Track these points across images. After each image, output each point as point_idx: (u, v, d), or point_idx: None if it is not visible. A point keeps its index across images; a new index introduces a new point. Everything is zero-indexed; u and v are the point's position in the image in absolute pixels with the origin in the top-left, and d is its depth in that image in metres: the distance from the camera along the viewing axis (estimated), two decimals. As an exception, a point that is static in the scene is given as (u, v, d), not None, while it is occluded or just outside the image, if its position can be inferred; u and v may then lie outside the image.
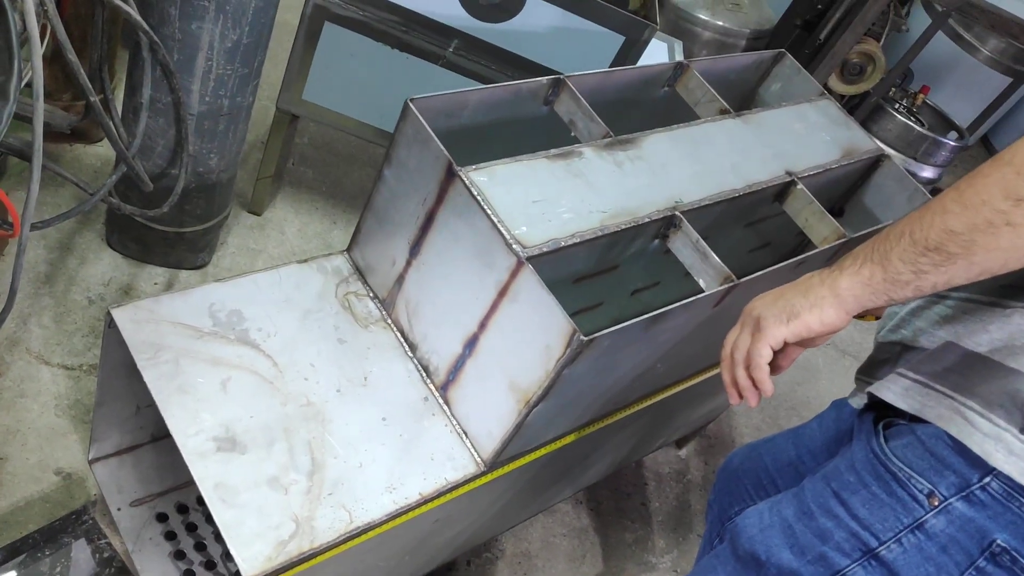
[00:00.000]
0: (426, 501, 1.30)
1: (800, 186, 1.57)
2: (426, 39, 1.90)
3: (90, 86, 1.31)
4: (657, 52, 2.36)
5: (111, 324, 1.30)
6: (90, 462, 1.61)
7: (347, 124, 2.09)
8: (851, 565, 1.09)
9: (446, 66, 1.95)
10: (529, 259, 1.19)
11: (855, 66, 3.21)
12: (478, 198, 1.22)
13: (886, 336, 1.22)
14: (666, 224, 1.38)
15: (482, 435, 1.35)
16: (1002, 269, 0.93)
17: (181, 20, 1.60)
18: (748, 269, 1.37)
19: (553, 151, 1.36)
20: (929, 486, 1.04)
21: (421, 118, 1.28)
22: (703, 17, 3.22)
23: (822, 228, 1.55)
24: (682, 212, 1.38)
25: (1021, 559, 0.99)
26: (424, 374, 1.42)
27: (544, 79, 1.45)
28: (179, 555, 1.59)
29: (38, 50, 1.17)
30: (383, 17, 1.86)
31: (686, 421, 2.09)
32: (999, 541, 0.99)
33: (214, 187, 1.94)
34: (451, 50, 1.92)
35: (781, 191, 1.58)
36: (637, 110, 1.68)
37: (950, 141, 3.44)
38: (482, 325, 1.29)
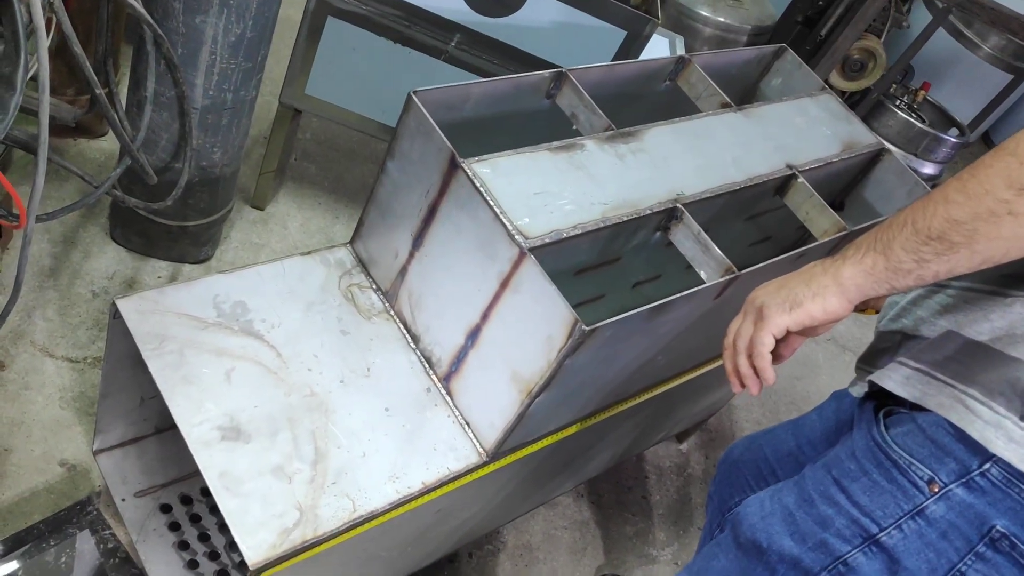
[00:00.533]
0: (429, 491, 1.31)
1: (801, 179, 1.57)
2: (428, 33, 1.91)
3: (95, 78, 1.32)
4: (658, 48, 2.37)
5: (116, 315, 1.31)
6: (94, 453, 1.62)
7: (350, 119, 2.09)
8: (852, 551, 1.10)
9: (448, 61, 1.96)
10: (531, 250, 1.20)
11: (856, 62, 3.22)
12: (481, 189, 1.23)
13: (887, 325, 1.23)
14: (668, 216, 1.39)
15: (484, 426, 1.36)
16: (1004, 258, 0.94)
17: (185, 14, 1.61)
18: (749, 263, 1.38)
19: (555, 143, 1.37)
20: (929, 473, 1.05)
21: (424, 110, 1.29)
22: (704, 13, 3.23)
23: (822, 221, 1.56)
24: (683, 204, 1.39)
25: (1020, 544, 1.00)
26: (427, 365, 1.43)
27: (546, 72, 1.46)
28: (183, 545, 1.60)
29: (44, 42, 1.18)
30: (385, 11, 1.87)
31: (687, 414, 2.09)
32: (998, 527, 1.00)
33: (217, 181, 1.95)
34: (453, 45, 1.92)
35: (782, 184, 1.59)
36: (638, 104, 1.69)
37: (951, 138, 3.45)
38: (484, 316, 1.30)
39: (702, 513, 2.25)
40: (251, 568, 1.13)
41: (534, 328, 1.21)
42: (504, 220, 1.21)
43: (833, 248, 1.54)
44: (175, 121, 1.76)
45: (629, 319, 1.21)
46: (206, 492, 1.66)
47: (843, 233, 1.52)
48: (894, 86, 3.51)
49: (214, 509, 1.64)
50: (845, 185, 1.83)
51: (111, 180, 1.58)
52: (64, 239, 2.03)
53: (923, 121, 3.47)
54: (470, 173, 1.25)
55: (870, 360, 1.25)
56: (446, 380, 1.41)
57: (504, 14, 1.90)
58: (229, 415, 1.25)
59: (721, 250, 1.33)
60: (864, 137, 1.77)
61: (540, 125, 1.50)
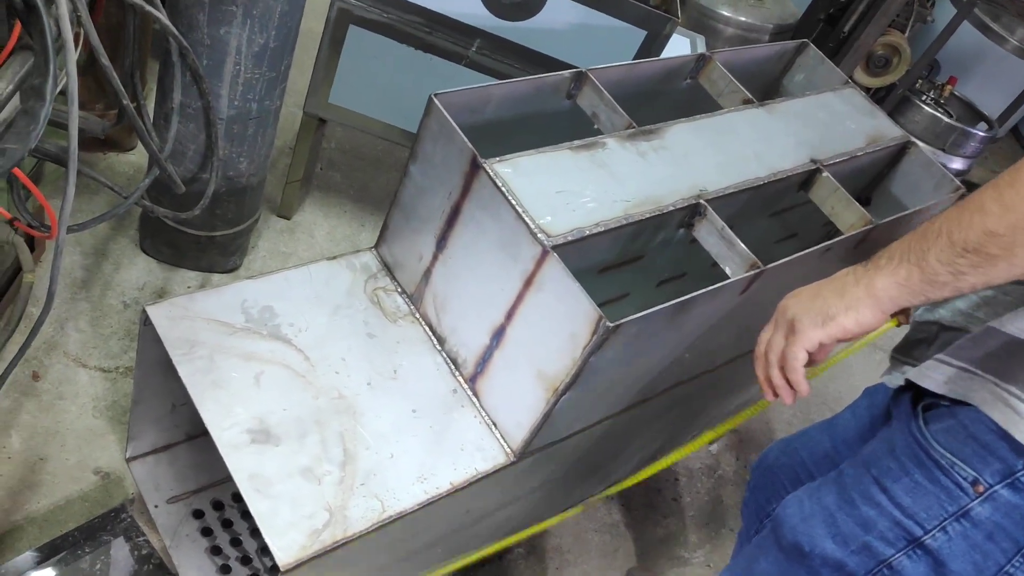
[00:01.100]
0: (457, 490, 1.31)
1: (825, 173, 1.56)
2: (449, 39, 1.93)
3: (123, 89, 1.34)
4: (679, 48, 2.36)
5: (147, 321, 1.33)
6: (127, 460, 1.65)
7: (373, 126, 2.11)
8: (896, 555, 1.08)
9: (469, 66, 1.97)
10: (554, 248, 1.20)
11: (880, 58, 3.19)
12: (502, 189, 1.24)
13: (923, 315, 1.21)
14: (691, 213, 1.38)
15: (511, 425, 1.36)
16: None
17: (209, 25, 1.64)
18: (774, 260, 1.37)
19: (576, 142, 1.37)
20: (973, 473, 1.03)
21: (445, 112, 1.29)
22: (725, 13, 3.22)
23: (848, 215, 1.54)
24: (707, 200, 1.38)
25: None
26: (453, 366, 1.44)
27: (566, 72, 1.47)
28: (215, 551, 1.62)
29: (72, 55, 1.20)
30: (406, 19, 1.89)
31: (717, 414, 2.08)
32: None
33: (244, 191, 1.97)
34: (474, 49, 1.94)
35: (806, 179, 1.58)
36: (659, 103, 1.69)
37: (979, 132, 3.41)
38: (509, 316, 1.30)
39: (734, 514, 2.23)
40: (282, 569, 1.14)
41: (558, 326, 1.21)
42: (526, 219, 1.21)
43: (860, 243, 1.53)
44: (201, 132, 1.78)
45: (654, 315, 1.20)
46: (238, 497, 1.67)
47: (869, 227, 1.50)
48: (920, 81, 3.48)
49: (246, 514, 1.66)
50: (871, 179, 1.81)
51: (140, 190, 1.60)
52: (95, 251, 2.06)
53: (950, 116, 3.43)
54: (492, 173, 1.25)
55: (905, 350, 1.23)
56: (472, 381, 1.42)
57: (523, 18, 1.91)
58: (258, 418, 1.26)
59: (746, 247, 1.33)
60: (889, 130, 1.75)
61: (561, 126, 1.50)
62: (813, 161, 1.57)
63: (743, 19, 3.22)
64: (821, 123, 1.67)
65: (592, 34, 1.92)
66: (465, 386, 1.42)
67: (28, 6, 1.03)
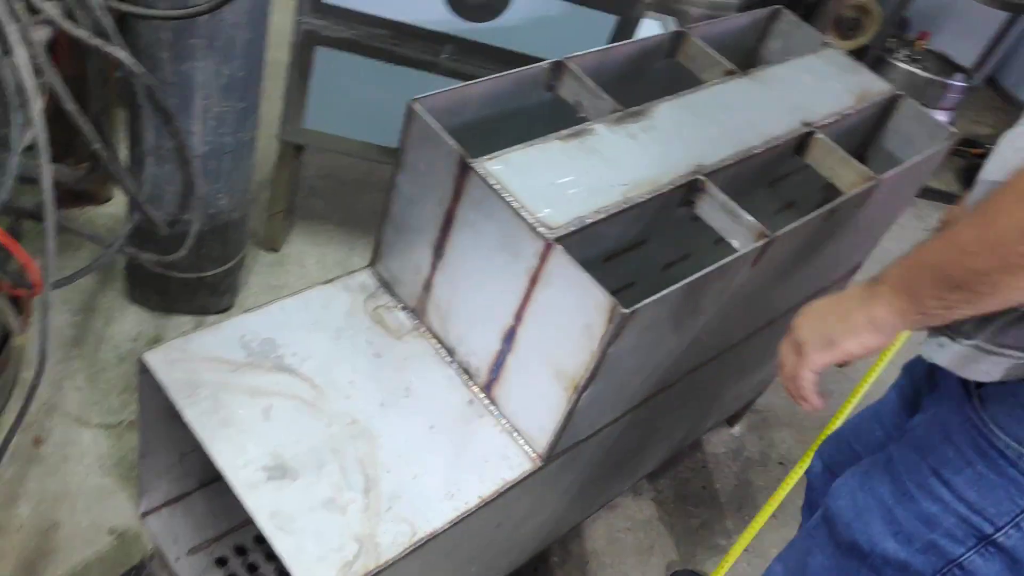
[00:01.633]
0: (486, 503, 1.26)
1: (819, 135, 1.53)
2: (419, 49, 1.89)
3: (94, 133, 1.30)
4: (651, 32, 2.33)
5: (145, 370, 1.28)
6: (142, 516, 1.59)
7: (351, 147, 2.07)
8: (967, 553, 1.01)
9: (443, 73, 1.93)
10: (557, 240, 1.16)
11: (850, 21, 3.17)
12: (495, 187, 1.20)
13: None
14: (690, 189, 1.35)
15: (534, 429, 1.32)
16: None
17: (173, 62, 1.60)
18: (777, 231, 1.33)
19: (564, 131, 1.33)
20: None
21: (427, 117, 1.25)
22: (690, -5, 3.19)
23: (848, 174, 1.51)
24: (705, 175, 1.34)
25: None
26: (466, 376, 1.39)
27: (544, 63, 1.43)
28: (244, 598, 1.57)
29: (35, 102, 1.16)
30: (372, 33, 1.85)
31: (737, 394, 2.04)
32: None
33: (227, 227, 1.93)
34: (445, 56, 1.90)
35: (800, 143, 1.54)
36: (640, 87, 1.65)
37: (957, 83, 3.39)
38: (518, 317, 1.26)
39: (766, 496, 2.18)
40: (316, 607, 1.09)
41: (571, 320, 1.17)
42: (524, 215, 1.17)
43: (865, 199, 1.49)
44: (178, 172, 1.74)
45: (668, 297, 1.16)
46: (260, 539, 1.62)
47: (872, 182, 1.47)
48: (892, 40, 3.46)
49: (271, 556, 1.61)
50: (863, 137, 1.78)
51: (122, 237, 1.56)
52: (83, 307, 2.01)
53: (927, 70, 3.41)
54: (482, 173, 1.21)
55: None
56: (487, 389, 1.37)
57: (491, 18, 1.88)
58: (272, 454, 1.21)
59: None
60: (876, 85, 1.72)
61: (545, 119, 1.47)
62: (805, 124, 1.54)
63: (708, -2, 3.19)
64: (807, 86, 1.64)
65: (563, 25, 1.89)
66: (481, 395, 1.38)
67: (-17, 54, 0.99)
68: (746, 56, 1.88)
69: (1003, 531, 0.98)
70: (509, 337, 1.29)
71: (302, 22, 1.81)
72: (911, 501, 1.05)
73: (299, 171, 2.47)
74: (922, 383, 1.23)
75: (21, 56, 1.16)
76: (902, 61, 3.40)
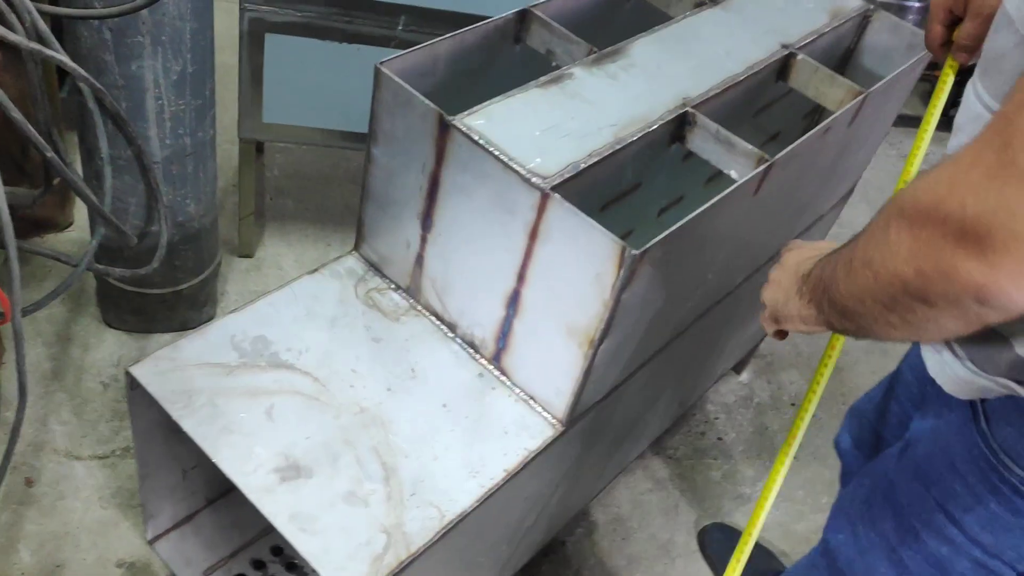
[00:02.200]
0: (512, 476, 1.20)
1: (800, 56, 1.48)
2: (373, 23, 1.81)
3: (43, 142, 1.21)
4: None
5: (134, 384, 1.20)
6: (150, 543, 1.52)
7: (314, 136, 1.99)
8: None
9: (400, 46, 1.85)
10: (553, 189, 1.09)
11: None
12: (481, 142, 1.13)
13: None
14: (680, 124, 1.29)
15: (550, 394, 1.26)
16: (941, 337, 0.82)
17: (119, 64, 1.51)
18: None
19: (543, 78, 1.27)
20: None
21: (397, 79, 1.18)
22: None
23: (835, 91, 1.46)
24: (693, 107, 1.29)
25: None
26: (471, 350, 1.33)
27: (509, 13, 1.37)
28: (269, 612, 1.50)
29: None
30: (321, 12, 1.77)
31: (741, 340, 1.99)
32: None
33: (198, 235, 1.84)
34: (401, 28, 1.82)
35: (782, 66, 1.49)
36: (609, 28, 1.59)
37: (914, 3, 3.35)
38: (520, 278, 1.20)
39: (783, 439, 2.14)
40: (352, 606, 1.02)
41: (579, 271, 1.11)
42: (515, 167, 1.11)
43: (855, 115, 1.44)
44: (139, 181, 1.65)
45: (675, 234, 1.10)
46: (276, 551, 1.55)
47: (861, 96, 1.41)
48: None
49: (291, 566, 1.54)
50: (841, 57, 1.73)
51: (90, 253, 1.47)
52: (58, 338, 1.92)
53: (880, -3, 3.38)
54: (464, 129, 1.14)
55: None
56: (496, 360, 1.31)
57: (444, -18, 1.80)
58: (282, 454, 1.14)
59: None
60: (848, 2, 1.67)
61: (517, 74, 1.40)
62: (784, 47, 1.48)
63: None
64: (779, 9, 1.59)
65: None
66: (490, 367, 1.31)
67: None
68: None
69: None
70: (513, 301, 1.23)
71: (247, 9, 1.73)
72: (917, 541, 0.95)
73: (263, 172, 2.39)
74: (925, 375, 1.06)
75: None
76: (855, -10, 3.36)
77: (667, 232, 1.09)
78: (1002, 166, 0.59)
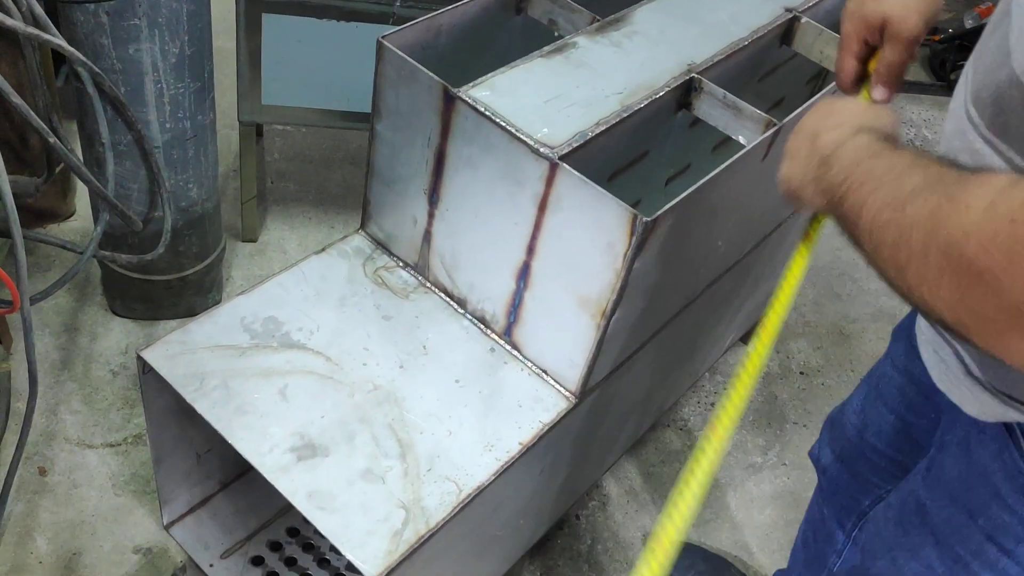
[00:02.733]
0: (528, 449, 1.20)
1: (804, 19, 1.46)
2: (369, 0, 1.79)
3: (45, 127, 1.20)
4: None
5: (146, 369, 1.20)
6: (166, 527, 1.52)
7: (314, 117, 1.97)
8: None
9: (399, 23, 1.83)
10: (561, 158, 1.09)
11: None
12: (487, 113, 1.12)
13: None
14: (686, 90, 1.28)
15: (563, 366, 1.25)
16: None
17: (116, 47, 1.49)
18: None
19: (546, 48, 1.26)
20: None
21: (400, 52, 1.17)
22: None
23: (841, 54, 1.44)
24: (699, 73, 1.27)
25: None
26: (482, 325, 1.32)
27: (510, -17, 1.35)
28: (287, 593, 1.50)
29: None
30: (319, -10, 1.75)
31: (751, 306, 1.99)
32: None
33: (202, 219, 1.83)
34: (399, 4, 1.80)
35: (786, 30, 1.47)
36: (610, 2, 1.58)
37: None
38: (530, 250, 1.19)
39: (792, 408, 2.14)
40: (373, 582, 1.02)
41: (590, 241, 1.10)
42: (523, 137, 1.10)
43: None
44: (140, 167, 1.64)
45: (686, 201, 1.09)
46: (293, 532, 1.55)
47: (867, 58, 1.40)
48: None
49: (308, 547, 1.54)
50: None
51: (95, 239, 1.46)
52: (65, 328, 1.91)
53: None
54: (470, 101, 1.13)
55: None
56: (507, 334, 1.30)
57: (441, -43, 1.78)
58: (298, 433, 1.14)
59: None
60: (850, -37, 1.65)
61: (519, 45, 1.39)
62: (788, 10, 1.47)
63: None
64: (781, -28, 1.57)
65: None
66: (502, 341, 1.31)
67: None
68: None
69: None
70: (523, 274, 1.22)
71: (244, -10, 1.71)
72: (967, 571, 0.91)
73: (263, 155, 2.37)
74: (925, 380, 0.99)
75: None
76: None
77: (678, 199, 1.08)
78: None
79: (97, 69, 1.41)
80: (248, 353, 1.22)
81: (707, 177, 1.13)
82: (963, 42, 3.18)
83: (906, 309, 1.08)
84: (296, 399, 1.18)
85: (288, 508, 1.54)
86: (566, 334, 1.21)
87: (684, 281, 1.35)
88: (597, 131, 1.14)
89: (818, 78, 1.81)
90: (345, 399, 1.19)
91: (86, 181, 1.34)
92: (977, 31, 2.44)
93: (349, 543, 1.05)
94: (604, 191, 1.05)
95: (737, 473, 1.99)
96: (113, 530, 1.61)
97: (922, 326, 0.99)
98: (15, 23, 1.21)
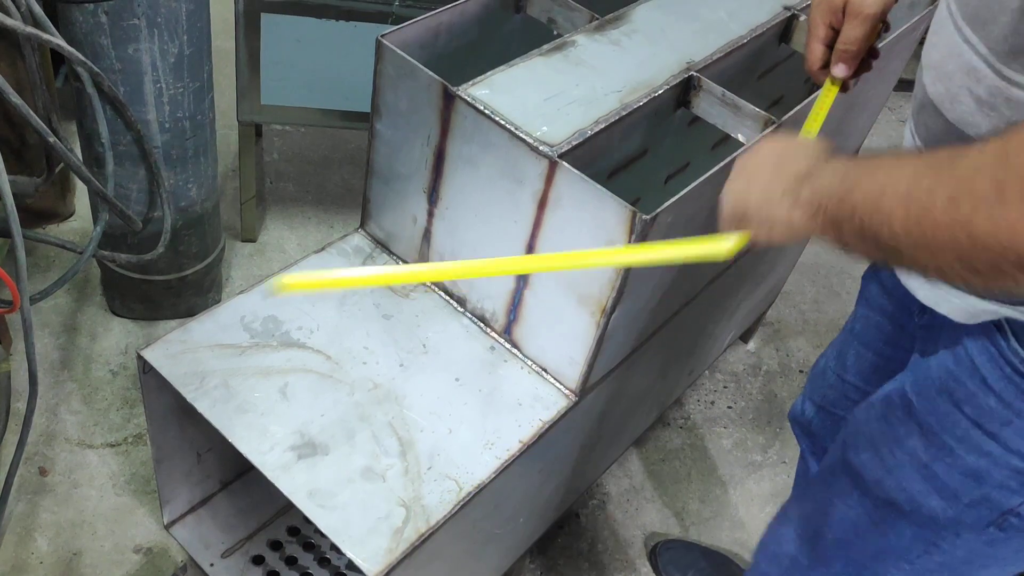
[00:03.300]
0: (528, 447, 1.20)
1: (803, 17, 1.46)
2: (368, 0, 1.79)
3: (45, 127, 1.20)
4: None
5: (146, 368, 1.20)
6: (167, 527, 1.52)
7: (313, 117, 1.98)
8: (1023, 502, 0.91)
9: (397, 22, 1.84)
10: (561, 157, 1.09)
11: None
12: (486, 112, 1.12)
13: None
14: (685, 88, 1.28)
15: (563, 364, 1.26)
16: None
17: (115, 47, 1.49)
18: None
19: (546, 47, 1.26)
20: None
21: (399, 51, 1.17)
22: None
23: (839, 52, 1.44)
24: (698, 71, 1.27)
25: None
26: (482, 324, 1.32)
27: (509, -18, 1.35)
28: (288, 592, 1.50)
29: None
30: (318, -10, 1.75)
31: (751, 305, 1.99)
32: None
33: (201, 219, 1.83)
34: (397, 3, 1.81)
35: (785, 28, 1.47)
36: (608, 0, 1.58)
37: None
38: (530, 248, 1.19)
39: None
40: (374, 580, 1.02)
41: (590, 239, 1.10)
42: (522, 135, 1.10)
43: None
44: (140, 167, 1.64)
45: (686, 198, 1.10)
46: (293, 531, 1.55)
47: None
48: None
49: (308, 545, 1.54)
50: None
51: (95, 239, 1.46)
52: (65, 328, 1.92)
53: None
54: (469, 99, 1.13)
55: None
56: (507, 332, 1.30)
57: (439, -44, 1.78)
58: (298, 432, 1.14)
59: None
60: (848, -39, 1.65)
61: (518, 44, 1.39)
62: (787, 8, 1.47)
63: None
64: (780, -30, 1.57)
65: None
66: (501, 340, 1.31)
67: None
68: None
69: None
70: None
71: (243, -10, 1.71)
72: (951, 455, 0.93)
73: (262, 155, 2.38)
74: (911, 303, 1.03)
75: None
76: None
77: (677, 196, 1.08)
78: None
79: (96, 69, 1.41)
80: (248, 352, 1.22)
81: (706, 175, 1.13)
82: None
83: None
84: (296, 398, 1.18)
85: (288, 507, 1.55)
86: (566, 332, 1.22)
87: (683, 279, 1.35)
88: (596, 129, 1.14)
89: (817, 76, 1.80)
90: (345, 397, 1.19)
91: (85, 181, 1.34)
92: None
93: (349, 541, 1.05)
94: (603, 189, 1.05)
95: (737, 471, 1.99)
96: (114, 530, 1.61)
97: None
98: (14, 23, 1.22)
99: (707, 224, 1.27)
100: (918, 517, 0.98)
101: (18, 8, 1.28)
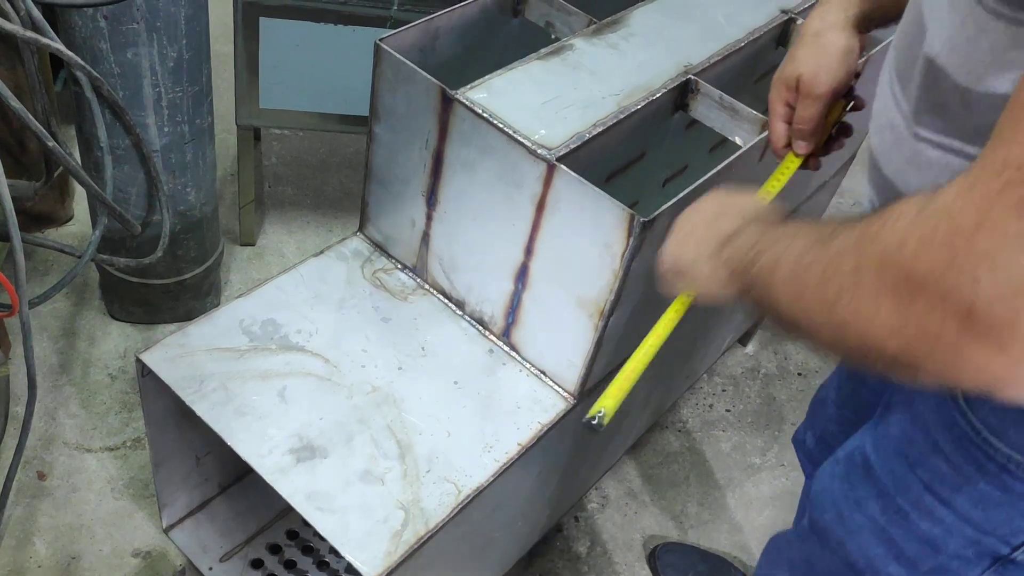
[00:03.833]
0: (526, 450, 1.20)
1: (800, 20, 1.47)
2: (367, 4, 1.80)
3: (44, 131, 1.20)
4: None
5: (145, 371, 1.20)
6: (165, 531, 1.51)
7: (311, 121, 1.98)
8: (983, 573, 0.89)
9: (395, 26, 1.84)
10: (559, 160, 1.09)
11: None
12: (484, 115, 1.12)
13: None
14: (683, 91, 1.28)
15: (562, 367, 1.26)
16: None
17: (114, 52, 1.50)
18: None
19: (543, 50, 1.26)
20: None
21: (397, 54, 1.18)
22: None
23: (836, 55, 1.45)
24: (696, 75, 1.28)
25: None
26: (480, 327, 1.33)
27: (507, -14, 1.35)
28: (287, 596, 1.50)
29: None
30: (317, -5, 1.76)
31: (741, 315, 1.99)
32: None
33: (200, 223, 1.83)
34: (396, 8, 1.81)
35: (782, 31, 1.48)
36: (606, 4, 1.58)
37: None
38: (528, 251, 1.19)
39: (791, 410, 2.15)
40: (373, 583, 1.02)
41: (588, 241, 1.10)
42: (520, 139, 1.10)
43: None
44: (139, 171, 1.64)
45: (684, 201, 1.10)
46: (292, 535, 1.55)
47: (863, 60, 1.40)
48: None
49: (307, 549, 1.54)
50: (840, 22, 1.72)
51: (94, 243, 1.47)
52: (64, 332, 1.92)
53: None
54: (467, 103, 1.14)
55: None
56: (506, 335, 1.31)
57: (438, -39, 1.79)
58: (297, 435, 1.14)
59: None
60: (845, -35, 1.65)
61: (516, 48, 1.39)
62: (783, 11, 1.48)
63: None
64: (777, -26, 1.57)
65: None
66: (500, 343, 1.31)
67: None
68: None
69: (1021, 549, 0.85)
70: (522, 275, 1.22)
71: (241, -5, 1.71)
72: (907, 521, 0.91)
73: (261, 159, 2.38)
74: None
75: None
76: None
77: (675, 199, 1.09)
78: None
79: (95, 73, 1.41)
80: (247, 355, 1.22)
81: (704, 178, 1.13)
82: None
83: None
84: (295, 401, 1.18)
85: (287, 511, 1.55)
86: (565, 335, 1.22)
87: (682, 282, 1.35)
88: (594, 132, 1.14)
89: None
90: (344, 401, 1.19)
91: (84, 185, 1.34)
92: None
93: (348, 544, 1.05)
94: (602, 192, 1.05)
95: (736, 474, 1.99)
96: (112, 534, 1.61)
97: None
98: (14, 27, 1.22)
99: (705, 227, 1.27)
100: None
101: (17, 12, 1.28)
